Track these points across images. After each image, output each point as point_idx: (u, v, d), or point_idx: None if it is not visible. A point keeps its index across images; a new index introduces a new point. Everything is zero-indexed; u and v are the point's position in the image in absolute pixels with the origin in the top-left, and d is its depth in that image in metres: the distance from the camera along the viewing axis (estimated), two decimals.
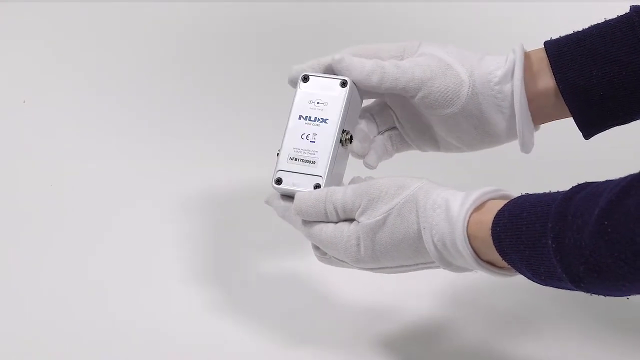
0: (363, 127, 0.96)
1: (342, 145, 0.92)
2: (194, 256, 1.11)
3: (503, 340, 1.00)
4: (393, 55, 0.93)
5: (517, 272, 0.81)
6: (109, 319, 1.03)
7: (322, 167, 0.92)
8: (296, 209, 0.90)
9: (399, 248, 0.86)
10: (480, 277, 0.99)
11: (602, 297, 0.78)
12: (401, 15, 1.39)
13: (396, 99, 0.95)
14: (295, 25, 1.40)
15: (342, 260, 0.90)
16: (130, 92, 1.33)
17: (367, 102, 0.97)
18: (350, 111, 0.93)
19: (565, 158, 1.21)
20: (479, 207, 0.83)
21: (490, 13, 1.39)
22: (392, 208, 0.86)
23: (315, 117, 0.93)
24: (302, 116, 0.93)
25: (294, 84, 0.94)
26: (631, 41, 0.89)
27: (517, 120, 0.91)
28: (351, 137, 0.93)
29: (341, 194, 0.88)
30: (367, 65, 0.90)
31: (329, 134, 0.92)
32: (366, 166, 0.96)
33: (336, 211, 0.89)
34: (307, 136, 0.93)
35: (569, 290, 0.78)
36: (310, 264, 1.03)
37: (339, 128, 0.92)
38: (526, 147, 0.93)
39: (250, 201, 1.17)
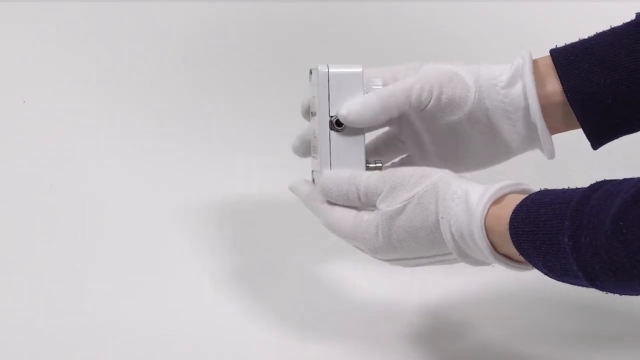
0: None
1: (337, 130, 0.91)
2: (205, 257, 1.11)
3: (511, 341, 1.00)
4: (402, 77, 0.94)
5: (533, 267, 0.82)
6: (113, 322, 1.03)
7: (317, 162, 0.92)
8: (321, 185, 0.91)
9: (416, 237, 0.86)
10: (491, 278, 1.00)
11: (610, 298, 0.78)
12: (402, 15, 1.39)
13: (414, 125, 0.96)
14: (299, 25, 1.40)
15: (361, 251, 0.90)
16: (132, 92, 1.32)
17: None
18: (338, 95, 0.91)
19: (583, 154, 1.21)
20: (498, 201, 0.83)
21: (493, 13, 1.39)
22: (413, 196, 0.86)
23: (313, 112, 0.94)
24: (313, 113, 0.94)
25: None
26: (638, 48, 0.90)
27: (534, 118, 0.91)
28: (338, 120, 0.91)
29: (365, 178, 0.89)
30: (374, 107, 0.91)
31: (319, 126, 0.92)
32: None
33: (358, 194, 0.89)
34: (314, 132, 0.94)
35: (582, 287, 0.78)
36: (321, 263, 1.03)
37: (325, 116, 0.91)
38: (548, 150, 0.93)
39: (261, 202, 1.18)
